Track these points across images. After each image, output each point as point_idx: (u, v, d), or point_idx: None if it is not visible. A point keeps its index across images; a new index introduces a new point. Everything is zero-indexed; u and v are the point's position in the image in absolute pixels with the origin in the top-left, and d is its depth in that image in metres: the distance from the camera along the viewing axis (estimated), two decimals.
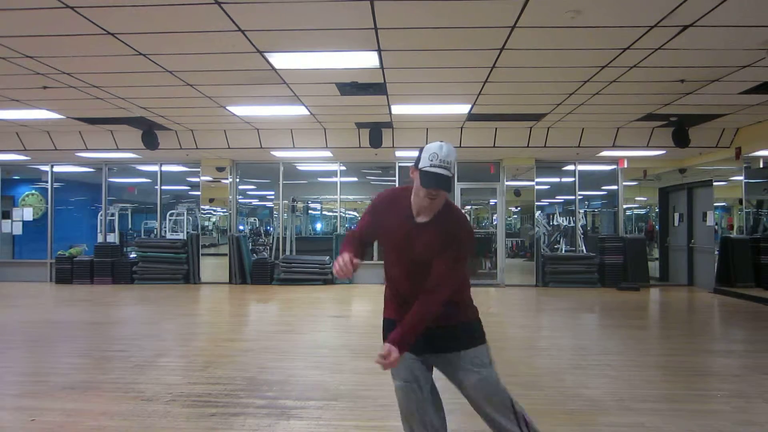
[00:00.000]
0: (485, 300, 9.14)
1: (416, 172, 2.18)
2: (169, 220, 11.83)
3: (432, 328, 2.23)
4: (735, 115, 7.92)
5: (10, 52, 5.22)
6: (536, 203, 11.10)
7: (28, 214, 12.07)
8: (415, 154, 2.23)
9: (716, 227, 9.91)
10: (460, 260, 2.23)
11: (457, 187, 11.23)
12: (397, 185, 11.30)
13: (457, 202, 11.25)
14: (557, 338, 6.18)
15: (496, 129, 9.15)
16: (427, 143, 2.42)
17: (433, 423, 2.31)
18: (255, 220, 13.64)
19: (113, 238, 11.91)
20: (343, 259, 2.18)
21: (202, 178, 11.46)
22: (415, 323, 2.15)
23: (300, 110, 7.80)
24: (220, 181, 11.49)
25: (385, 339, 2.24)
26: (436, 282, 2.19)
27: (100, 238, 11.82)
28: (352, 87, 6.46)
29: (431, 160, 2.12)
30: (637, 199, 12.76)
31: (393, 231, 2.31)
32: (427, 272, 2.21)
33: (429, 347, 2.31)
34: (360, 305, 8.75)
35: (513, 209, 11.74)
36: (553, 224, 11.63)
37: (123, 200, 12.62)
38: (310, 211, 13.06)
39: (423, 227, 2.24)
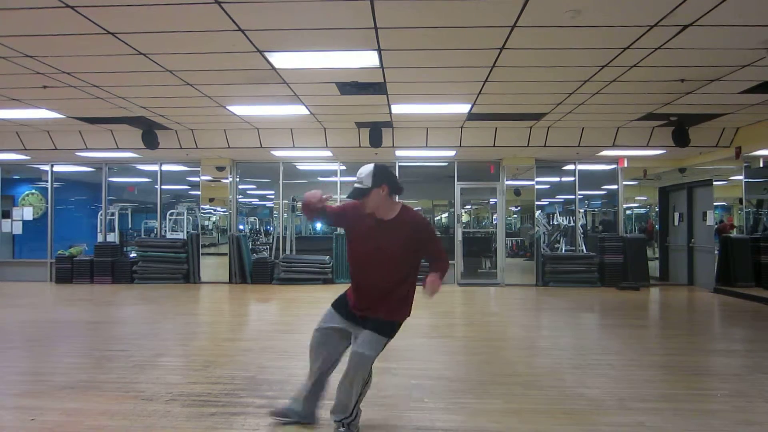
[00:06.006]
0: (486, 299, 9.15)
1: None
2: (169, 219, 11.82)
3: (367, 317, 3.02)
4: (735, 114, 7.92)
5: (10, 52, 5.23)
6: (536, 203, 11.11)
7: (28, 213, 12.07)
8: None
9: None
10: (433, 239, 3.12)
11: (457, 186, 11.24)
12: None
13: (457, 202, 11.28)
14: (557, 338, 6.17)
15: (496, 129, 9.15)
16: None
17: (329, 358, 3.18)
18: (255, 219, 13.61)
19: (113, 237, 11.92)
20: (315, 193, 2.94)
21: (202, 177, 11.45)
22: (443, 271, 3.05)
23: (300, 110, 7.79)
24: (220, 181, 11.49)
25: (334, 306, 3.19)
26: (436, 254, 3.11)
27: (100, 238, 11.82)
28: (352, 87, 6.46)
29: (356, 178, 2.99)
30: (637, 198, 12.75)
31: (357, 224, 3.07)
32: (384, 259, 2.97)
33: (355, 320, 3.10)
34: None
35: (513, 209, 11.74)
36: (553, 224, 11.63)
37: (123, 200, 12.60)
38: None
39: (385, 224, 3.02)
